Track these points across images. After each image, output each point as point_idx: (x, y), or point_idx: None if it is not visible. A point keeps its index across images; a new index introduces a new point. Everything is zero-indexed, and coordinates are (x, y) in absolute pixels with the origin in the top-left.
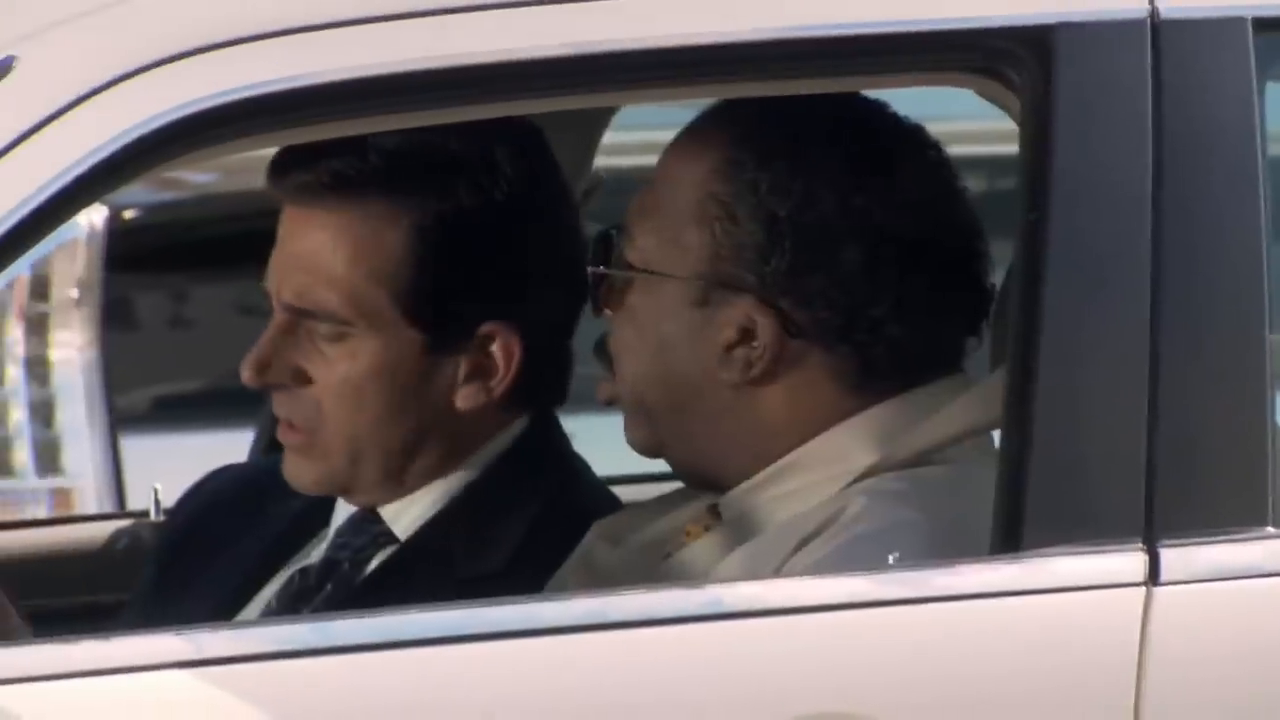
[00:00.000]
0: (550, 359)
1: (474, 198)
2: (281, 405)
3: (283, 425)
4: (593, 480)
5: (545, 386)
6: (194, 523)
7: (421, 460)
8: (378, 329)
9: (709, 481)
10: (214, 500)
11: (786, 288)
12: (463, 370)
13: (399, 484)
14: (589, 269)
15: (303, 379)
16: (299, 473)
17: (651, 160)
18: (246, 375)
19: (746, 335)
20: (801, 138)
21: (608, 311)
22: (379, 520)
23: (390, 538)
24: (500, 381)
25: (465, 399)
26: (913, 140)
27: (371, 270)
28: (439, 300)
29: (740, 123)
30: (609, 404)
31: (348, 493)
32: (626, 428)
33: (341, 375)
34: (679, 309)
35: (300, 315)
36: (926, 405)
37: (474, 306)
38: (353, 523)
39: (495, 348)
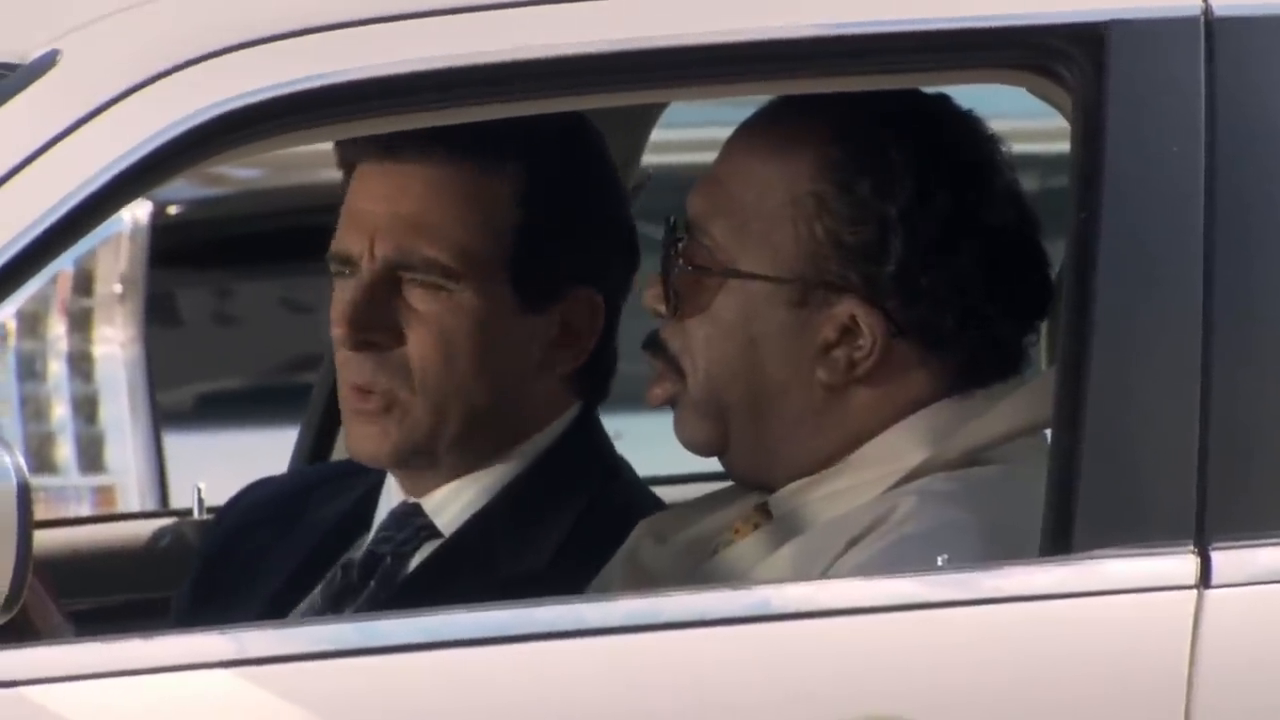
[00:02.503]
0: (611, 338)
1: (563, 158)
2: (362, 369)
3: (356, 393)
4: (635, 478)
5: (608, 367)
6: (234, 536)
7: (490, 434)
8: (477, 283)
9: (764, 481)
10: (254, 512)
11: (895, 287)
12: (549, 334)
13: (465, 456)
14: (664, 268)
15: (396, 337)
16: (373, 442)
17: (698, 157)
18: (342, 334)
19: (848, 335)
20: (901, 135)
21: (666, 310)
22: (422, 513)
23: (433, 531)
24: (584, 347)
25: (551, 364)
26: (989, 135)
27: (477, 222)
28: (535, 258)
29: (834, 118)
30: (665, 404)
31: (418, 462)
32: (686, 427)
33: (437, 329)
34: (773, 309)
35: (398, 270)
36: (980, 404)
37: (564, 268)
38: (395, 516)
39: (580, 313)
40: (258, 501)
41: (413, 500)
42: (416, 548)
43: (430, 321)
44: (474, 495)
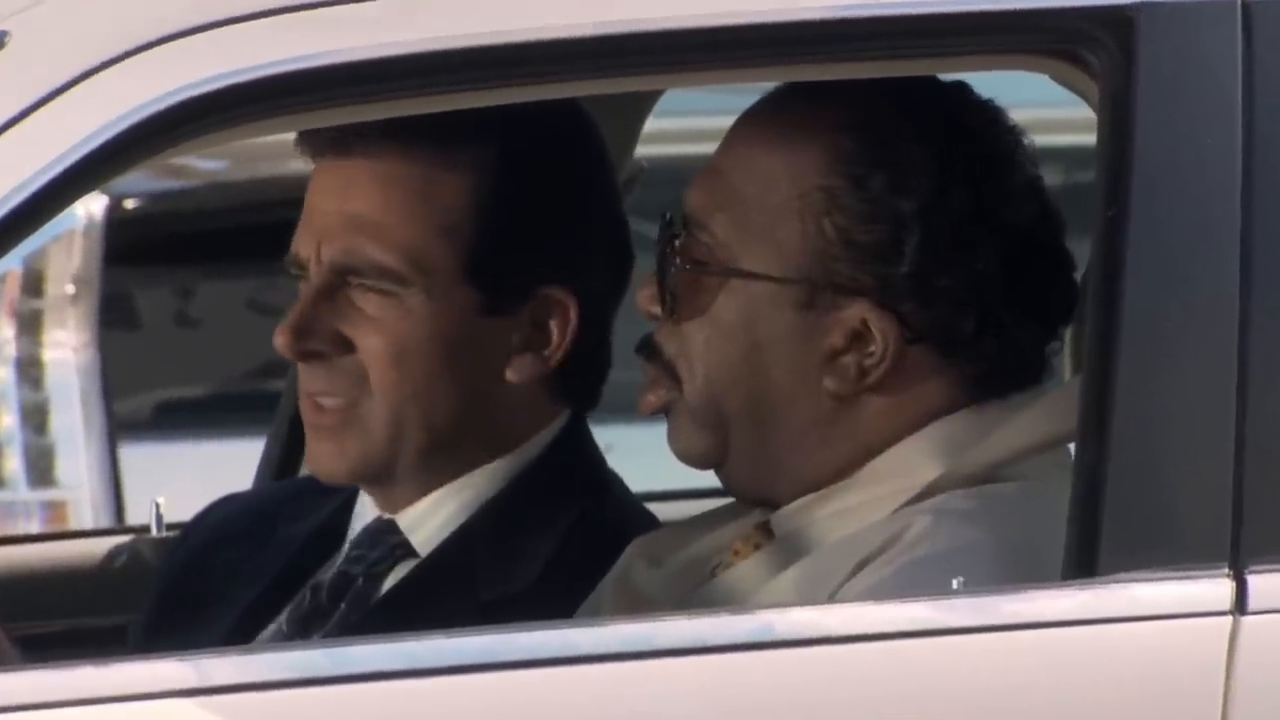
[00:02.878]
0: (600, 342)
1: (536, 149)
2: (315, 379)
3: (311, 405)
4: (626, 494)
5: (592, 374)
6: (197, 555)
7: (461, 447)
8: (432, 287)
9: (766, 497)
10: (219, 530)
11: (910, 290)
12: (516, 338)
13: (434, 472)
14: (660, 266)
15: (344, 346)
16: (329, 459)
17: (697, 149)
18: (283, 342)
19: (858, 340)
20: (918, 126)
21: (662, 311)
22: (397, 530)
23: (408, 549)
24: (554, 351)
25: (518, 370)
26: (1010, 126)
27: (430, 222)
28: (498, 257)
29: (846, 108)
30: (658, 412)
31: (381, 478)
32: (681, 437)
33: (389, 338)
34: (777, 311)
35: (345, 275)
36: (998, 415)
37: (532, 267)
38: (369, 534)
39: (551, 314)
40: (224, 519)
41: (387, 516)
42: (391, 567)
43: (382, 328)
44: (453, 511)
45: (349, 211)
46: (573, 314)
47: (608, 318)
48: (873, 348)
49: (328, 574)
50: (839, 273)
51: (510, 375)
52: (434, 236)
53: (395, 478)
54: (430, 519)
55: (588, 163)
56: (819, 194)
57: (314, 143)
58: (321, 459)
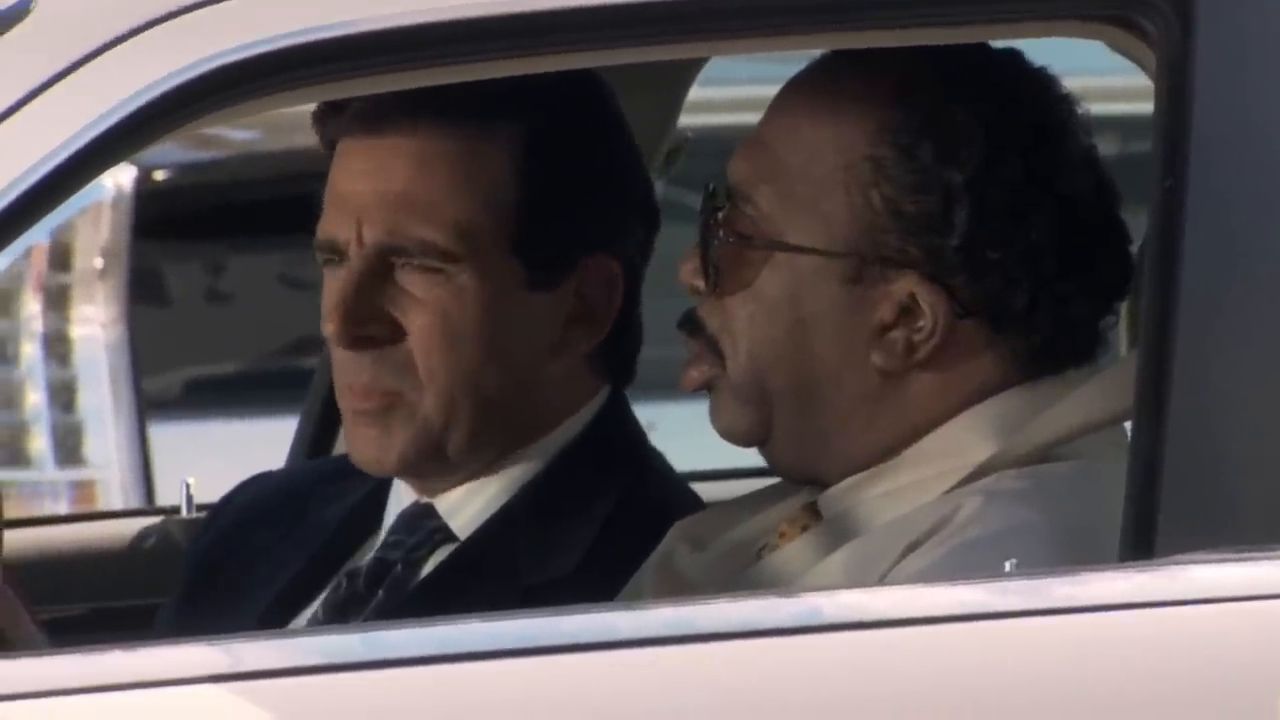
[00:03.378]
0: (634, 311)
1: (567, 117)
2: (359, 365)
3: (354, 392)
4: (670, 474)
5: (630, 346)
6: (228, 536)
7: (508, 427)
8: (481, 262)
9: (813, 476)
10: (251, 511)
11: (960, 263)
12: (565, 310)
13: (480, 455)
14: (702, 239)
15: (396, 330)
16: (376, 449)
17: (741, 118)
18: (333, 330)
19: (907, 315)
20: (967, 95)
21: (705, 285)
22: (435, 515)
23: (448, 534)
24: (606, 319)
25: (569, 344)
26: (1064, 95)
27: (473, 197)
28: (542, 228)
29: (893, 76)
30: (700, 389)
31: (431, 466)
32: (724, 414)
33: (441, 319)
34: (824, 285)
35: (391, 256)
36: (1052, 393)
37: (575, 236)
38: (406, 519)
39: (597, 283)
40: (255, 499)
41: (425, 501)
42: (430, 553)
43: (431, 308)
44: (493, 494)
45: (389, 191)
46: (620, 279)
47: (639, 284)
48: (922, 322)
49: (364, 560)
50: (887, 245)
51: (560, 351)
52: (479, 210)
53: (445, 464)
54: (470, 503)
55: (613, 127)
56: (866, 164)
57: (336, 123)
58: (368, 446)
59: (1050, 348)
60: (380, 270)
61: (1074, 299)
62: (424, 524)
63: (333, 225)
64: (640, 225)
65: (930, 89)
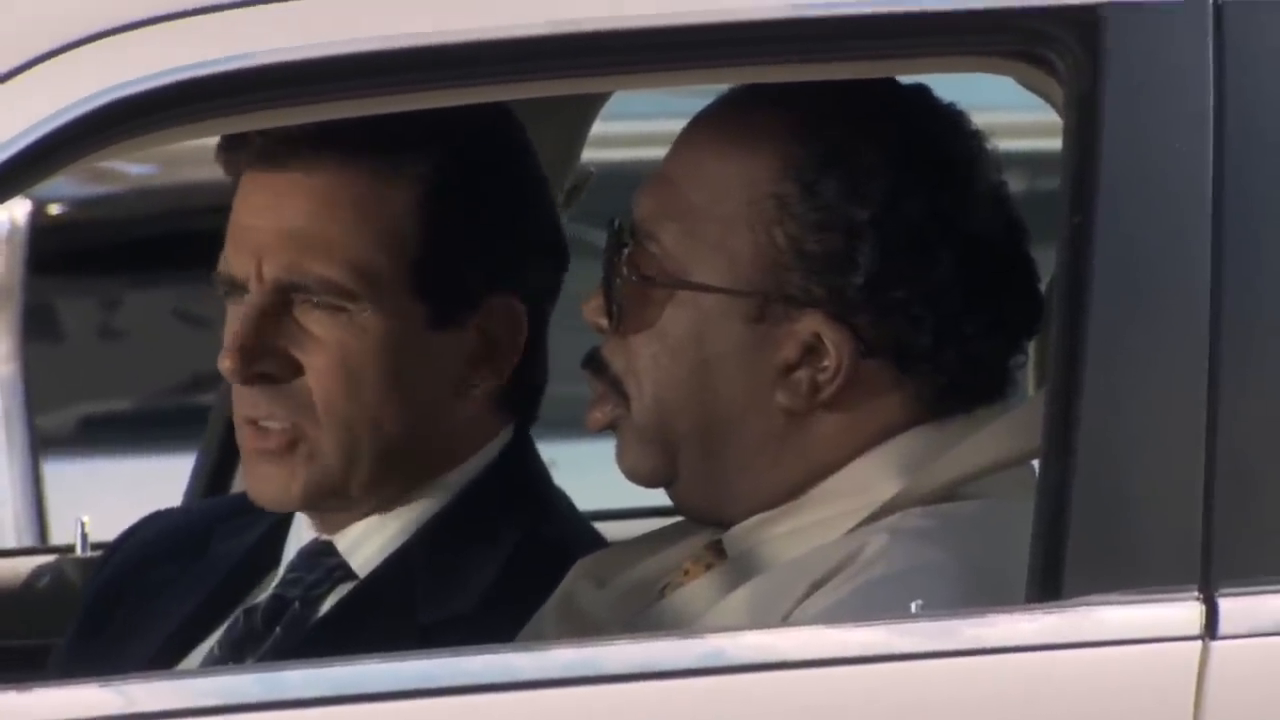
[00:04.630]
0: (540, 350)
1: (472, 155)
2: (256, 402)
3: (252, 431)
4: (573, 513)
5: (535, 385)
6: (125, 574)
7: (411, 465)
8: (380, 301)
9: (717, 516)
10: (149, 548)
11: (864, 301)
12: (468, 349)
13: (382, 492)
14: (606, 277)
15: (293, 367)
16: (275, 487)
17: (646, 153)
18: (229, 366)
19: (811, 354)
20: (873, 130)
21: (609, 324)
22: (334, 552)
23: (347, 572)
24: (508, 360)
25: (471, 383)
26: (972, 131)
27: (373, 234)
28: (443, 267)
29: (797, 113)
30: (604, 429)
31: (332, 504)
32: (628, 455)
33: (339, 355)
34: (728, 325)
35: (290, 293)
36: (959, 431)
37: (478, 275)
38: (305, 555)
39: (501, 323)
40: (152, 536)
41: (324, 538)
42: (329, 590)
43: (330, 347)
44: (394, 532)
45: (289, 227)
46: (523, 320)
47: (545, 323)
48: (826, 362)
49: (262, 597)
50: (791, 283)
51: (463, 390)
52: (379, 250)
53: (348, 501)
54: (370, 540)
55: (521, 165)
56: (770, 201)
57: (238, 156)
58: (267, 486)
59: (957, 386)
60: (279, 306)
61: (980, 337)
62: (323, 561)
63: (233, 259)
64: (547, 264)
65: (835, 124)
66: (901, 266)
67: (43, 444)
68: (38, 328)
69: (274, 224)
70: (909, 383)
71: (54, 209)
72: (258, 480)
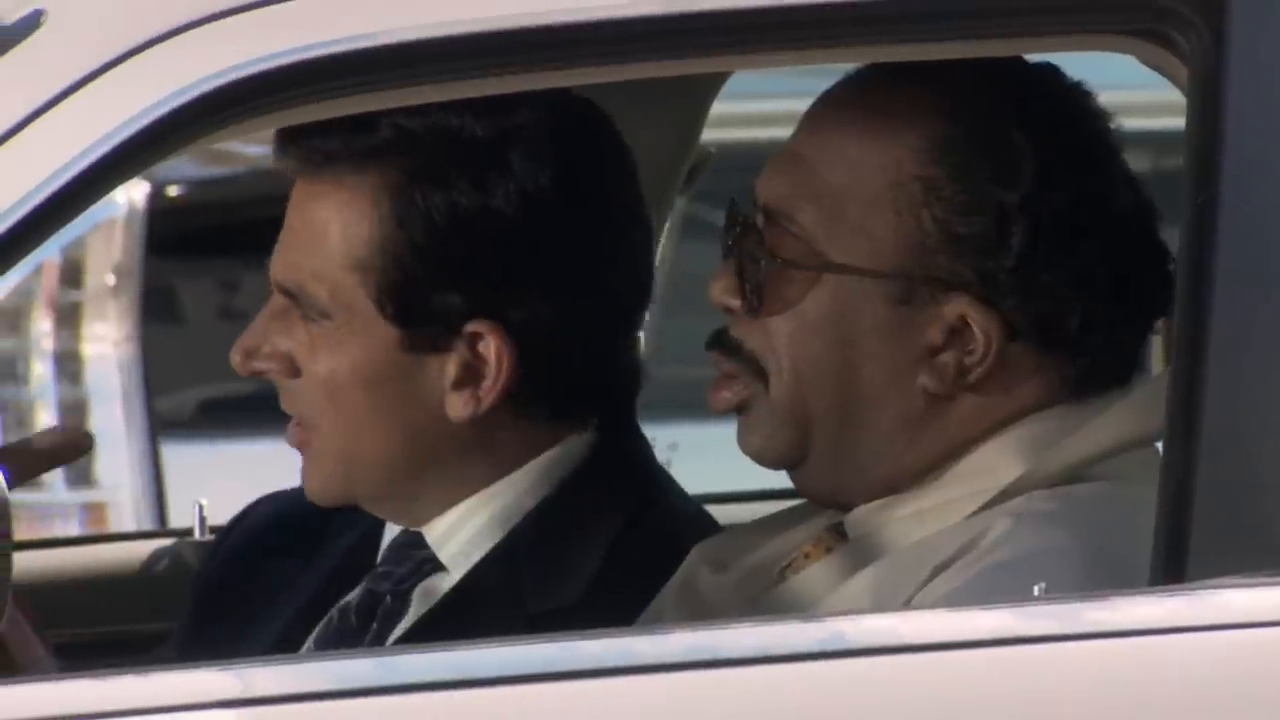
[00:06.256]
0: (588, 367)
1: (472, 195)
2: (284, 398)
3: (291, 422)
4: (681, 498)
5: (597, 397)
6: (240, 556)
7: (445, 472)
8: (353, 321)
9: (844, 499)
10: (264, 529)
11: (1012, 284)
12: (450, 374)
13: (421, 497)
14: (737, 259)
15: (291, 368)
16: (307, 479)
17: (767, 134)
18: (235, 359)
19: (956, 337)
20: (1018, 110)
21: (742, 306)
22: (423, 544)
23: (435, 564)
24: (489, 388)
25: (454, 407)
26: (1102, 110)
27: (347, 255)
28: (416, 295)
29: (941, 92)
30: (734, 410)
31: (353, 502)
32: (758, 435)
33: (325, 369)
34: (872, 306)
35: (290, 298)
36: (1085, 413)
37: (459, 304)
38: (395, 548)
39: (485, 350)
40: (268, 523)
41: (414, 530)
42: (417, 583)
43: (317, 356)
44: (483, 523)
45: (292, 236)
46: (506, 350)
47: (610, 334)
48: (973, 345)
49: (355, 593)
50: (937, 266)
51: (449, 412)
52: (346, 270)
53: (367, 501)
54: (459, 532)
55: (557, 199)
56: (916, 184)
57: (283, 160)
58: (304, 479)
59: (1097, 368)
60: (284, 307)
61: (1125, 321)
62: (412, 554)
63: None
64: (594, 294)
65: (981, 104)
66: (1051, 249)
67: (162, 427)
68: (157, 310)
69: (287, 228)
70: (1051, 365)
71: (172, 191)
72: (301, 472)
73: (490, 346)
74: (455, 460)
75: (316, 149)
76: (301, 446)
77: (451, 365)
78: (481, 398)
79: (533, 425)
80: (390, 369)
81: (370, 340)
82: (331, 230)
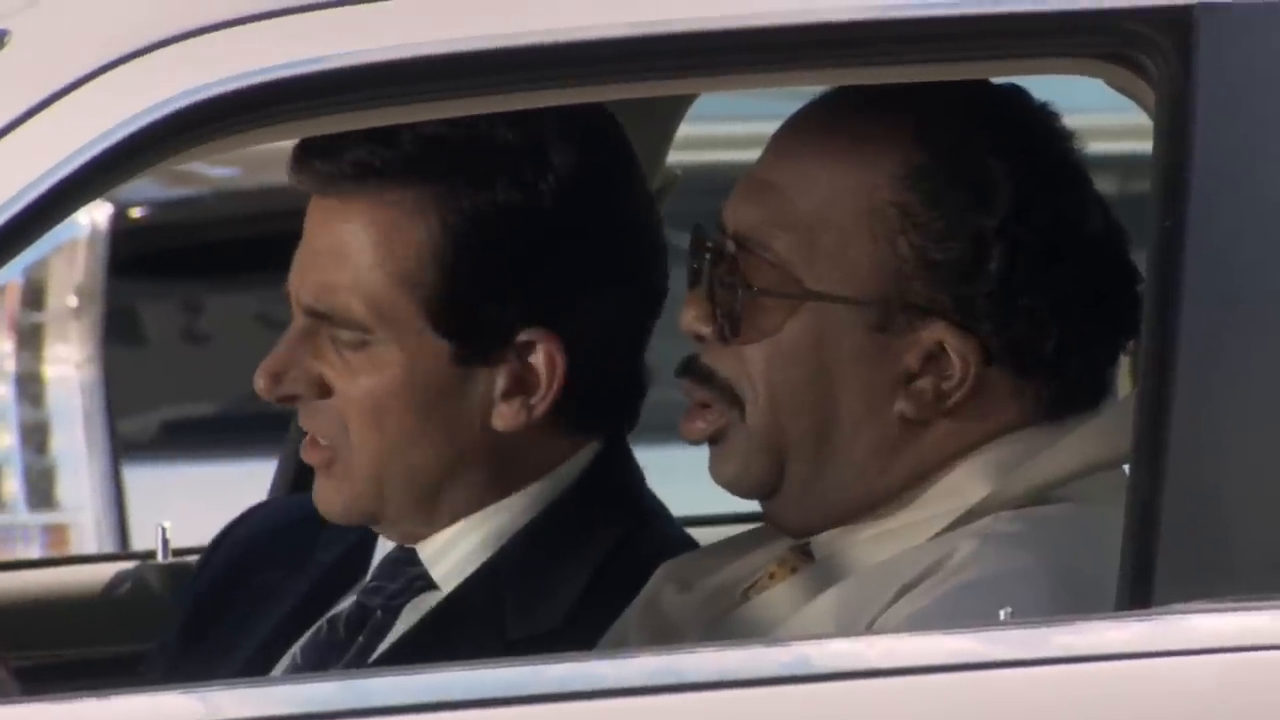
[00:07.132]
0: (616, 374)
1: (514, 194)
2: (306, 418)
3: (308, 441)
4: (669, 523)
5: (614, 407)
6: (233, 565)
7: (461, 490)
8: (401, 337)
9: (815, 528)
10: (255, 545)
11: (989, 309)
12: (499, 385)
13: (436, 515)
14: (708, 286)
15: (323, 389)
16: (325, 497)
17: (733, 156)
18: (260, 384)
19: (933, 363)
20: (991, 134)
21: (713, 333)
22: (416, 561)
23: (427, 582)
24: (542, 398)
25: (503, 418)
26: (1070, 133)
27: (394, 270)
28: (468, 305)
29: (912, 117)
30: (707, 440)
31: (376, 522)
32: (732, 464)
33: (364, 388)
34: (847, 333)
35: (320, 319)
36: (1052, 435)
37: (510, 313)
38: (388, 564)
39: (536, 359)
40: (257, 534)
41: (408, 546)
42: (408, 600)
43: (356, 376)
44: (477, 543)
45: (320, 255)
46: (559, 357)
47: (630, 345)
48: (950, 371)
49: (345, 605)
50: (915, 293)
51: (497, 423)
52: (397, 286)
53: (388, 521)
54: (452, 550)
55: (591, 199)
56: (892, 210)
57: (298, 178)
58: (319, 496)
59: (1071, 390)
60: (312, 329)
61: (1100, 343)
62: (405, 570)
63: (290, 275)
64: (621, 302)
65: (950, 129)
66: (1028, 273)
67: (124, 449)
68: (119, 331)
69: (311, 249)
70: (1026, 388)
71: (135, 212)
72: (315, 491)
73: (541, 355)
74: (477, 476)
75: (346, 164)
76: (323, 466)
77: (501, 377)
78: (534, 407)
79: (555, 436)
80: (440, 382)
81: (418, 355)
82: (371, 247)
